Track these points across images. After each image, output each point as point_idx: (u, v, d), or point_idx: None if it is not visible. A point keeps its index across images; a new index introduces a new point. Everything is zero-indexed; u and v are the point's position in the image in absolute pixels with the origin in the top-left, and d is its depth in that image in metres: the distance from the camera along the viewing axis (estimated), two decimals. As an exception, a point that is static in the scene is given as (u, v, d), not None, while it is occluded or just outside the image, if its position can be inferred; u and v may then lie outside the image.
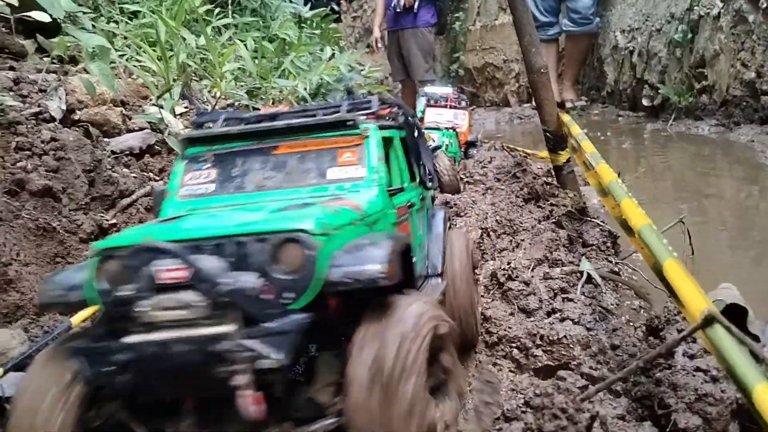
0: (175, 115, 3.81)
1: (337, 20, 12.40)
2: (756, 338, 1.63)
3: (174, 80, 5.42)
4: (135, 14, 5.81)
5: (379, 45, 10.19)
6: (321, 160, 2.10)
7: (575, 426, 1.22)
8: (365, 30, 17.16)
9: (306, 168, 2.10)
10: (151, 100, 3.85)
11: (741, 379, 0.97)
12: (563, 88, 9.70)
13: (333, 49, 8.90)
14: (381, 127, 2.17)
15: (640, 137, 7.10)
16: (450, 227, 2.71)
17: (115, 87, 2.91)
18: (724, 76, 6.58)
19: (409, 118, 2.47)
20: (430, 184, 2.54)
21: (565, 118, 3.71)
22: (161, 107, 3.63)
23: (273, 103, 5.89)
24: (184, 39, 5.62)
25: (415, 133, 2.46)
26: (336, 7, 12.07)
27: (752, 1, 5.99)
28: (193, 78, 5.60)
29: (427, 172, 2.49)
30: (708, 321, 0.98)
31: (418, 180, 2.50)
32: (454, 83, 14.04)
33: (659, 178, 5.21)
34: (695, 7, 7.01)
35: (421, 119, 6.63)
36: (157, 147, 3.43)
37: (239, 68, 6.23)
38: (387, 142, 2.25)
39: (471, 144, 6.43)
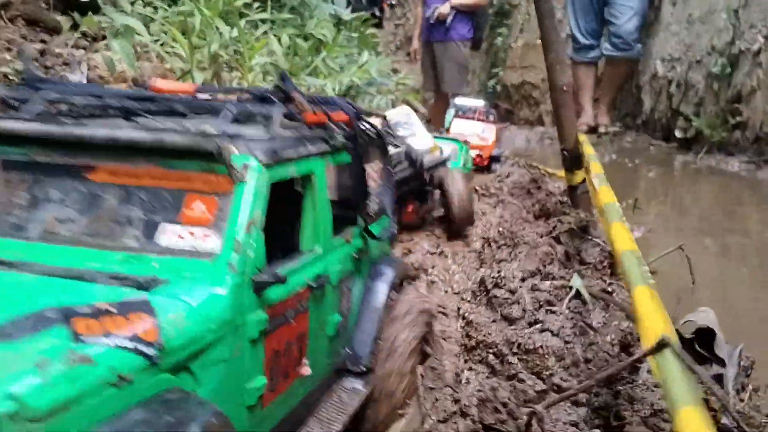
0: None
1: (379, 26, 12.47)
2: (721, 361, 1.60)
3: (204, 68, 5.52)
4: (174, 1, 5.93)
5: (418, 56, 10.25)
6: (156, 205, 1.31)
7: (515, 421, 1.22)
8: (407, 38, 17.20)
9: (128, 215, 1.31)
10: (173, 83, 3.93)
11: (672, 398, 0.96)
12: (598, 112, 9.60)
13: (370, 54, 8.96)
14: (281, 161, 1.38)
15: (670, 167, 7.00)
16: (398, 294, 1.84)
17: (135, 66, 2.98)
18: (759, 112, 6.46)
19: (361, 131, 1.77)
20: (380, 234, 1.85)
21: (582, 137, 3.69)
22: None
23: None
24: (218, 29, 5.73)
25: (362, 159, 1.71)
26: (378, 13, 12.11)
27: (794, 38, 5.89)
28: (224, 68, 5.70)
29: (379, 212, 1.84)
30: (660, 346, 0.98)
31: (355, 230, 1.76)
32: (490, 99, 14.02)
33: (685, 210, 5.14)
34: (737, 41, 6.90)
35: (448, 129, 6.63)
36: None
37: (271, 63, 6.32)
38: (290, 186, 1.49)
39: (495, 159, 6.42)
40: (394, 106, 6.25)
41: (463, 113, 6.65)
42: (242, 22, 5.92)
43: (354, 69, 6.90)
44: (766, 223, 4.58)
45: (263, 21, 6.81)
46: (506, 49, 14.44)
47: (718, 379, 1.57)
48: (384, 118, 4.72)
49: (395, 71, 11.78)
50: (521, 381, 1.76)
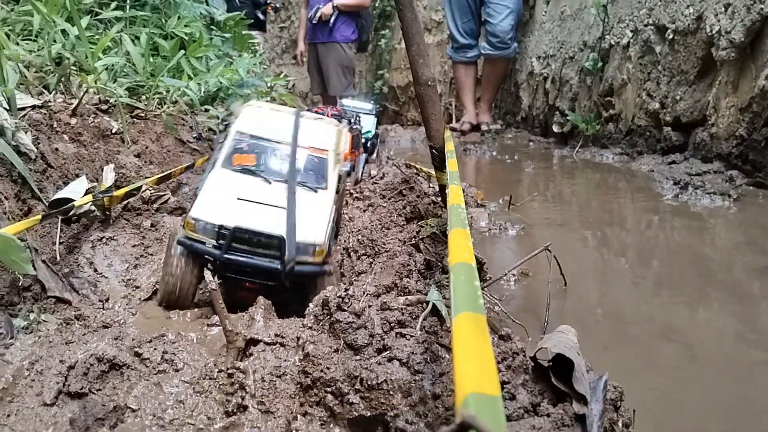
0: (9, 106, 3.34)
1: (262, 29, 12.03)
2: (582, 397, 1.34)
3: (49, 72, 4.94)
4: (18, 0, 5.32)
5: (304, 58, 9.93)
6: None
7: None
8: (292, 41, 16.83)
9: None
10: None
11: None
12: (480, 111, 9.62)
13: (246, 55, 8.52)
14: None
15: (549, 162, 6.99)
16: None
17: None
18: (630, 105, 6.55)
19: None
20: None
21: (447, 134, 3.45)
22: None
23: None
24: (60, 30, 5.16)
25: None
26: (262, 17, 11.73)
27: (660, 32, 5.98)
28: (73, 71, 5.13)
29: None
30: (463, 429, 0.66)
31: None
32: (378, 101, 13.86)
33: (563, 204, 5.05)
34: (606, 36, 6.99)
35: None
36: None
37: (128, 64, 5.78)
38: None
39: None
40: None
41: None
42: (86, 21, 5.36)
43: (219, 69, 6.44)
44: (641, 213, 4.55)
45: (118, 19, 6.26)
46: (390, 51, 14.37)
47: (581, 419, 1.30)
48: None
49: (279, 74, 11.37)
50: None
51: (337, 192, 2.70)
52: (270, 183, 2.45)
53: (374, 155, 6.61)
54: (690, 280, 3.22)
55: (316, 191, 2.52)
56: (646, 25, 6.15)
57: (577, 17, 7.83)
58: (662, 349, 2.40)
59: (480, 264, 2.56)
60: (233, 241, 2.23)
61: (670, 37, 5.73)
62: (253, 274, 2.29)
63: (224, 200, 2.33)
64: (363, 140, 5.93)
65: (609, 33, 6.91)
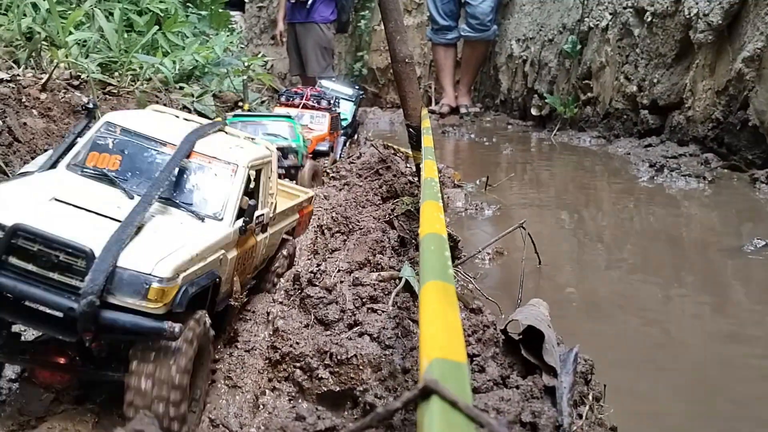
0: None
1: (241, 8, 11.86)
2: (552, 369, 1.33)
3: (19, 46, 4.82)
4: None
5: (283, 38, 9.79)
6: None
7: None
8: (270, 21, 16.60)
9: None
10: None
11: None
12: (459, 93, 9.59)
13: (222, 33, 8.38)
14: None
15: (526, 145, 7.00)
16: None
17: None
18: (608, 88, 6.56)
19: None
20: None
21: (423, 112, 3.42)
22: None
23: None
24: (34, 3, 5.03)
25: None
26: (241, -5, 11.55)
27: (639, 14, 5.98)
28: (44, 46, 5.00)
29: None
30: (426, 393, 0.63)
31: None
32: (357, 82, 13.76)
33: (540, 187, 5.06)
34: (585, 19, 6.98)
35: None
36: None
37: (101, 40, 5.65)
38: None
39: (320, 154, 4.77)
40: (245, 87, 5.67)
41: (286, 100, 5.28)
42: (57, -7, 5.22)
43: (194, 46, 6.31)
44: (617, 196, 4.56)
45: (90, -7, 6.11)
46: (370, 33, 14.26)
47: (551, 391, 1.28)
48: None
49: (259, 53, 11.22)
50: (301, 418, 1.42)
51: (245, 233, 1.77)
52: (132, 198, 1.61)
53: (353, 138, 6.52)
54: (664, 261, 3.24)
55: (202, 219, 1.68)
56: (625, 8, 6.15)
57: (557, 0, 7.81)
58: (635, 327, 2.40)
59: (455, 242, 2.54)
60: (12, 253, 1.37)
61: (649, 19, 5.74)
62: (33, 316, 1.42)
63: (30, 197, 1.54)
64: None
65: (588, 15, 6.90)
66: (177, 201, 1.68)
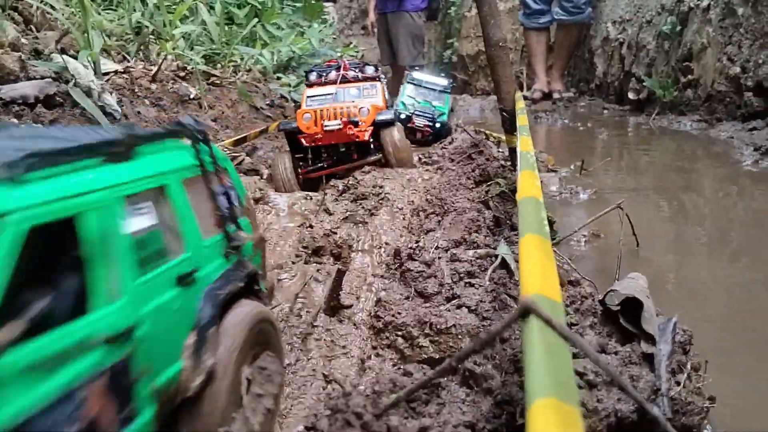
0: (95, 69, 3.52)
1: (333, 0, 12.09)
2: (650, 337, 1.35)
3: (129, 40, 5.15)
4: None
5: (374, 29, 9.92)
6: None
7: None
8: (361, 11, 16.83)
9: None
10: (59, 48, 3.55)
11: (529, 384, 0.69)
12: (552, 79, 9.42)
13: (317, 24, 8.62)
14: None
15: (623, 130, 6.82)
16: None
17: (3, 28, 2.62)
18: (710, 70, 6.29)
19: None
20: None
21: (517, 94, 3.44)
22: (74, 57, 3.34)
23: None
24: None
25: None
26: (331, -14, 11.78)
27: (743, -8, 5.70)
28: (151, 39, 5.33)
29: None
30: (524, 313, 0.71)
31: None
32: (447, 70, 13.73)
33: (637, 172, 4.94)
34: (686, -2, 6.71)
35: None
36: (58, 98, 3.11)
37: (204, 32, 5.96)
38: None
39: (384, 124, 4.09)
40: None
41: (318, 77, 4.44)
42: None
43: (291, 37, 6.54)
44: (719, 182, 4.40)
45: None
46: (460, 19, 14.17)
47: (649, 358, 1.32)
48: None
49: (350, 44, 11.43)
50: (408, 374, 1.50)
51: None
52: None
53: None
54: (769, 247, 3.12)
55: None
56: (729, -14, 5.87)
57: (656, -21, 7.54)
58: (735, 314, 2.35)
59: (550, 222, 2.56)
60: None
61: (756, -3, 5.46)
62: None
63: None
64: (438, 124, 5.48)
65: (690, -5, 6.63)
66: None
